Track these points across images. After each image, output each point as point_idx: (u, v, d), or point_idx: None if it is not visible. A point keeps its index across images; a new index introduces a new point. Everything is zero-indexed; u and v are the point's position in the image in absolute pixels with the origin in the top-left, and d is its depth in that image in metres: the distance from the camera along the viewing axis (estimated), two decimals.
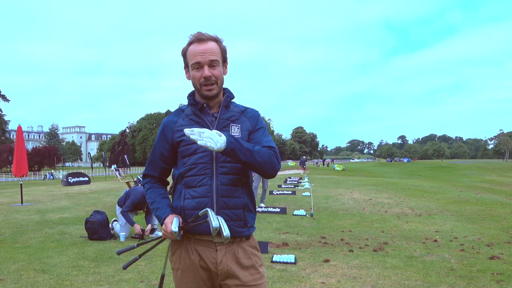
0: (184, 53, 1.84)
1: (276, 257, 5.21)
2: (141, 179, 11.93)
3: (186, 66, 1.86)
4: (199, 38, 1.80)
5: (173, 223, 1.69)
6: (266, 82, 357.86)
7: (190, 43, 1.82)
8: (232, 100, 1.93)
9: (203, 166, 1.77)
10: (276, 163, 1.79)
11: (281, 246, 6.10)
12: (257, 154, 1.71)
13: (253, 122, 1.90)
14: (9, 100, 68.09)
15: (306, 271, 4.77)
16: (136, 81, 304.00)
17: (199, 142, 1.61)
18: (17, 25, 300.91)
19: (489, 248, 6.19)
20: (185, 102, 1.93)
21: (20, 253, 5.68)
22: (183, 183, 1.82)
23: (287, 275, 4.62)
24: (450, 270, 4.86)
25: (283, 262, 5.10)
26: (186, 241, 1.81)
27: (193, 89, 1.89)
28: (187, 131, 1.64)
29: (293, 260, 5.14)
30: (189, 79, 1.86)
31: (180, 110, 1.92)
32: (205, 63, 1.77)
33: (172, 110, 2.05)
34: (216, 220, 1.62)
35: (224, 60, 1.86)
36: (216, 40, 1.82)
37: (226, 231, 1.62)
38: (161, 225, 1.77)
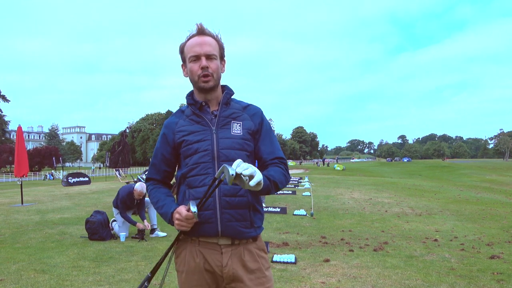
0: (182, 49, 1.82)
1: (276, 257, 5.22)
2: (140, 179, 11.88)
3: (184, 62, 1.84)
4: (197, 33, 1.79)
5: (191, 204, 1.60)
6: (266, 80, 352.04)
7: (187, 39, 1.81)
8: (233, 97, 1.89)
9: (205, 165, 1.74)
10: (287, 180, 1.81)
11: (281, 246, 6.10)
12: (279, 184, 1.74)
13: (257, 121, 1.85)
14: (9, 101, 68.06)
15: (306, 271, 4.77)
16: (134, 80, 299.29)
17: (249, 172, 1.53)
18: (10, 20, 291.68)
19: (489, 248, 6.19)
20: (185, 101, 1.91)
21: (20, 253, 5.68)
22: (186, 183, 1.78)
23: (287, 275, 4.62)
24: (450, 270, 4.86)
25: (283, 262, 5.10)
26: (191, 243, 1.78)
27: (192, 89, 1.87)
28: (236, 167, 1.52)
29: (293, 260, 5.14)
30: (187, 76, 1.83)
31: (181, 111, 1.90)
32: (203, 55, 1.75)
33: (172, 109, 2.03)
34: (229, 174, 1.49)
35: (222, 57, 1.84)
36: (214, 36, 1.81)
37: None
38: (168, 221, 1.72)
